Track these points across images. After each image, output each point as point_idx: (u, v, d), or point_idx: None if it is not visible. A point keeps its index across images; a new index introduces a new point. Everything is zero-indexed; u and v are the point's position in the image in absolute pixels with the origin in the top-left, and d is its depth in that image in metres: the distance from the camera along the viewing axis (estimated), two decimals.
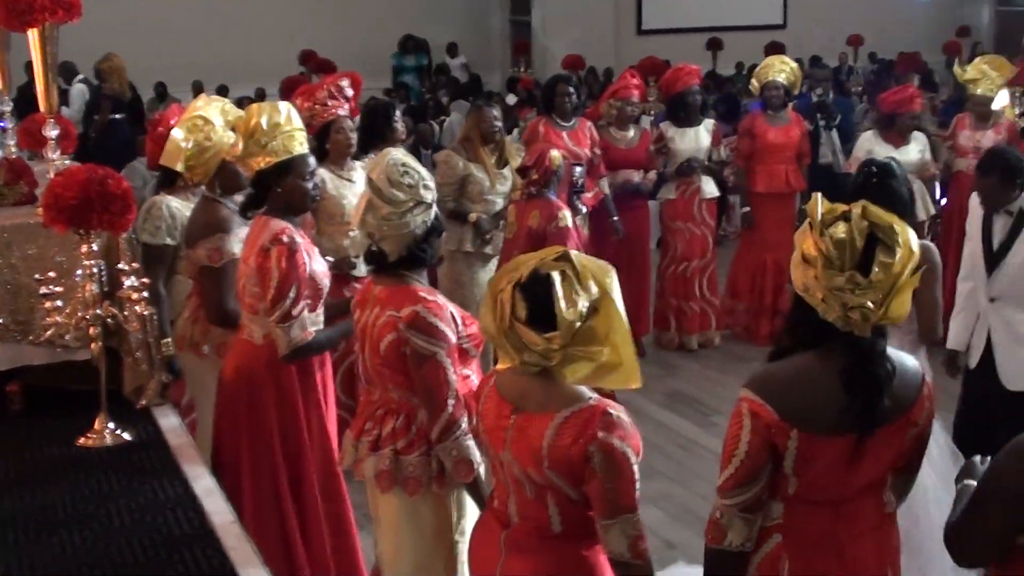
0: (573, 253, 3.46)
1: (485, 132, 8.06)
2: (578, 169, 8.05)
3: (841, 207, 3.29)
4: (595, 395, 3.48)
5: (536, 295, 3.36)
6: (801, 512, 3.39)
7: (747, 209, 9.93)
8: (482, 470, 4.27)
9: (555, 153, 7.57)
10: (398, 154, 4.45)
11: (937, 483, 5.08)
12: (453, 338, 4.29)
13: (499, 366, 3.60)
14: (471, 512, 4.47)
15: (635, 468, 3.41)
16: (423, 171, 4.39)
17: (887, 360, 3.30)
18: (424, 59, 20.99)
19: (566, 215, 7.39)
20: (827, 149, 10.74)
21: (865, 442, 3.28)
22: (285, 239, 4.90)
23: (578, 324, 3.32)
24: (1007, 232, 5.80)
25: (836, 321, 3.22)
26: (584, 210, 8.39)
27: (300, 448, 5.12)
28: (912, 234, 3.27)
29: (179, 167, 5.65)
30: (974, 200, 6.09)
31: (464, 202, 7.95)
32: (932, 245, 5.14)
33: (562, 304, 3.31)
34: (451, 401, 4.24)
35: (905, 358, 3.43)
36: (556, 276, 3.36)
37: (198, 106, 5.70)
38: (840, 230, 3.20)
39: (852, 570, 3.39)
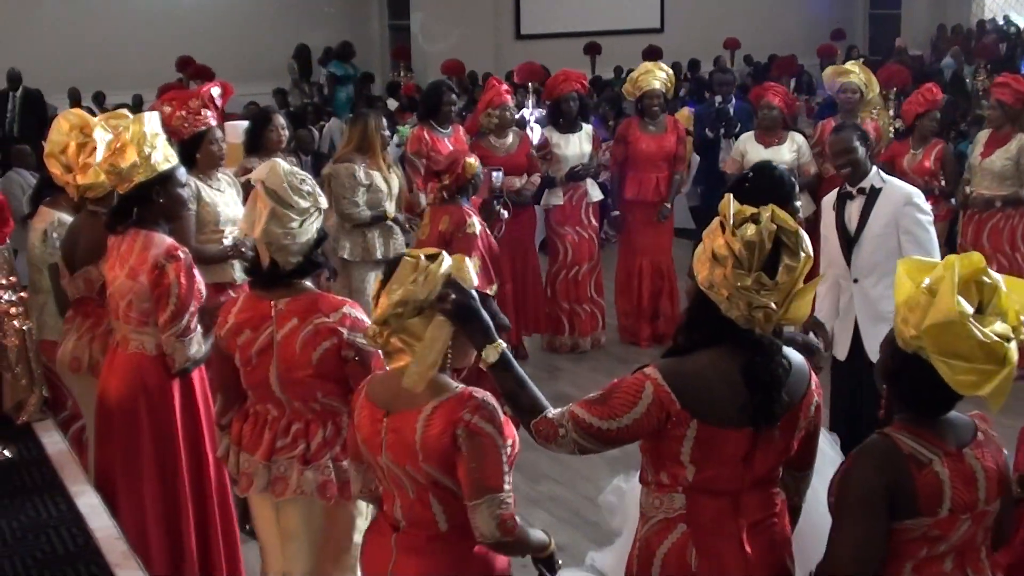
0: (468, 262, 3.53)
1: (383, 139, 8.11)
2: (497, 174, 8.07)
3: (750, 209, 3.36)
4: (461, 385, 3.53)
5: (390, 273, 3.51)
6: (702, 502, 3.47)
7: (616, 213, 9.99)
8: None
9: (471, 160, 7.57)
10: (285, 163, 4.43)
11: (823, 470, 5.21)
12: None
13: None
14: (368, 513, 4.49)
15: (503, 451, 3.44)
16: (312, 179, 4.41)
17: (784, 357, 3.41)
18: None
19: (474, 223, 7.38)
20: (726, 155, 10.86)
21: (760, 436, 3.39)
22: (180, 255, 4.90)
23: (399, 312, 3.41)
24: (861, 210, 6.03)
25: (739, 319, 3.31)
26: (505, 215, 8.36)
27: (203, 460, 5.12)
28: (808, 241, 3.37)
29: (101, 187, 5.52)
30: (826, 203, 6.32)
31: (365, 210, 8.03)
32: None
33: (392, 287, 3.44)
34: None
35: (793, 354, 3.52)
36: (407, 260, 3.48)
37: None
38: (750, 231, 3.27)
39: (758, 557, 3.48)
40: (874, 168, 6.08)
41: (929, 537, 3.27)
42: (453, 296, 3.45)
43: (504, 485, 3.43)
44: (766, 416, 3.36)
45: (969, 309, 3.10)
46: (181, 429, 5.08)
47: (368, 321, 4.19)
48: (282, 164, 4.34)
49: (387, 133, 8.24)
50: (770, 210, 3.33)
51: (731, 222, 3.32)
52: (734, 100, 11.29)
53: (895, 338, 3.30)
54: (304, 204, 4.24)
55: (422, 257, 3.48)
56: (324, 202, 4.38)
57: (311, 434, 4.39)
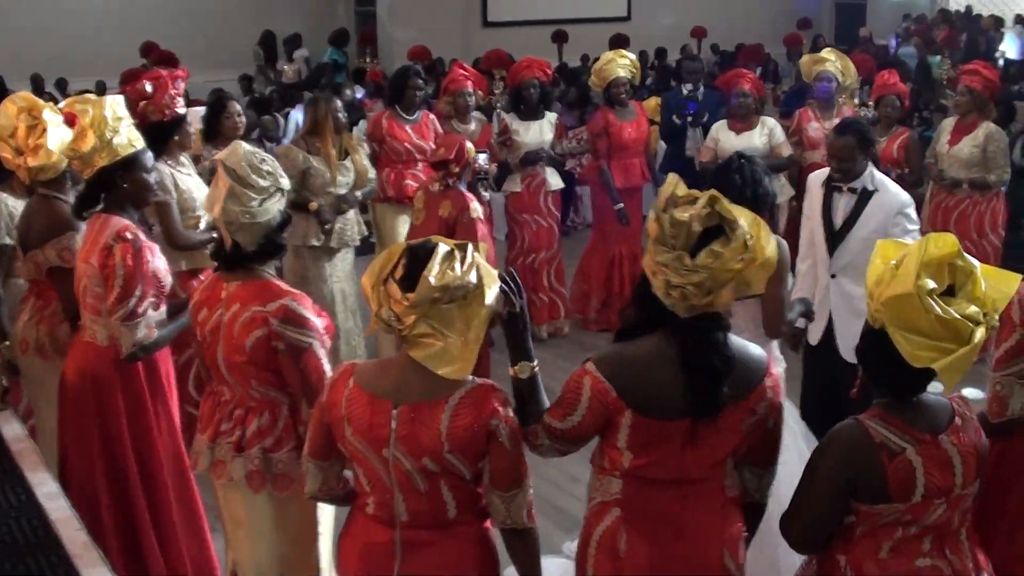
0: (479, 252, 3.50)
1: (337, 123, 8.04)
2: (482, 157, 8.06)
3: (697, 194, 3.37)
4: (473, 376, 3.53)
5: (416, 258, 3.39)
6: (640, 489, 3.49)
7: (621, 205, 9.82)
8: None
9: (470, 145, 7.64)
10: (247, 144, 4.40)
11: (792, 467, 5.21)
12: (322, 328, 4.28)
13: (369, 328, 3.56)
14: (329, 507, 4.46)
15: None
16: (274, 160, 4.38)
17: (724, 348, 3.39)
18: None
19: (477, 207, 7.43)
20: (692, 143, 10.85)
21: (700, 426, 3.38)
22: (129, 236, 4.83)
23: (437, 296, 3.32)
24: (851, 209, 5.99)
25: (663, 298, 3.33)
26: (487, 196, 8.36)
27: (152, 451, 5.05)
28: (767, 236, 3.36)
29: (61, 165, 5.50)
30: (813, 181, 6.28)
31: (306, 195, 7.86)
32: (783, 242, 5.27)
33: (433, 271, 3.33)
34: None
35: (750, 347, 3.52)
36: (442, 248, 3.40)
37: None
38: (683, 213, 3.29)
39: (691, 547, 3.48)
40: (869, 167, 6.03)
41: (903, 521, 3.33)
42: (517, 304, 3.55)
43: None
44: (702, 406, 3.36)
45: (931, 285, 3.14)
46: (127, 421, 5.02)
47: (311, 317, 4.21)
48: (243, 145, 4.33)
49: (343, 116, 8.16)
50: (710, 196, 3.33)
51: (664, 202, 3.34)
52: (702, 88, 11.27)
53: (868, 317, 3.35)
54: (263, 183, 4.23)
55: (453, 246, 3.44)
56: (286, 183, 4.36)
57: (247, 422, 4.38)
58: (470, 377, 3.50)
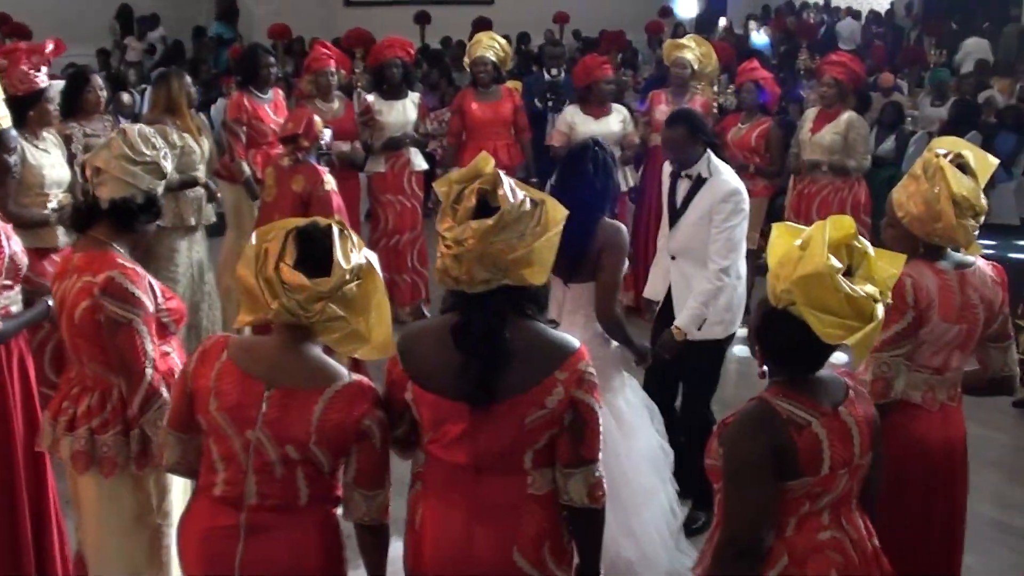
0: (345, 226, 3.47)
1: (190, 99, 7.95)
2: (327, 132, 7.95)
3: (496, 172, 3.39)
4: (349, 373, 3.48)
5: (312, 240, 3.34)
6: (437, 469, 3.50)
7: None
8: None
9: (318, 119, 7.63)
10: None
11: (629, 442, 5.26)
12: (151, 307, 4.17)
13: (241, 319, 3.49)
14: (175, 495, 4.38)
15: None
16: (168, 150, 4.35)
17: (494, 331, 3.33)
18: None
19: (330, 180, 7.45)
20: (552, 128, 10.87)
21: (480, 413, 3.36)
22: None
23: (347, 278, 3.31)
24: (687, 193, 6.05)
25: (437, 269, 3.39)
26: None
27: (8, 432, 4.87)
28: (548, 232, 3.36)
29: None
30: (667, 167, 6.32)
31: (174, 174, 7.70)
32: (622, 226, 5.30)
33: (339, 253, 3.31)
34: (149, 371, 4.13)
35: (550, 339, 3.45)
36: (336, 228, 3.37)
37: None
38: (466, 185, 3.36)
39: (478, 539, 3.43)
40: (707, 154, 6.02)
41: (812, 494, 3.36)
42: None
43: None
44: (471, 389, 3.33)
45: (839, 265, 3.22)
46: (11, 400, 4.85)
47: (138, 294, 4.11)
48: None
49: (193, 91, 8.05)
50: (493, 175, 3.36)
51: (462, 174, 3.40)
52: (563, 74, 11.32)
53: (766, 298, 3.39)
54: (143, 150, 4.21)
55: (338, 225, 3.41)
56: (167, 168, 4.32)
57: (80, 400, 4.30)
58: (346, 373, 3.45)
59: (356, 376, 3.46)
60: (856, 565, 3.44)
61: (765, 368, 3.47)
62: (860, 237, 3.33)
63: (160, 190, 4.29)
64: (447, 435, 3.42)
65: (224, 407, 3.42)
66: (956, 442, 4.41)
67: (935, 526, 4.37)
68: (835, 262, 3.21)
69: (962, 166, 4.16)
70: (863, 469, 3.45)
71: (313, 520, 3.50)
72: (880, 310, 3.26)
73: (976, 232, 4.20)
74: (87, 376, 4.28)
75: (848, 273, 3.26)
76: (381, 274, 3.50)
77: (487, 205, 3.31)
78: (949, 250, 4.28)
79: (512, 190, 3.34)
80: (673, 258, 6.15)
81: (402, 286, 9.81)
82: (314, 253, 3.32)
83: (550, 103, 10.89)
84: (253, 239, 3.42)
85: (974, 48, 18.70)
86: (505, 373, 3.33)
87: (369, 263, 3.42)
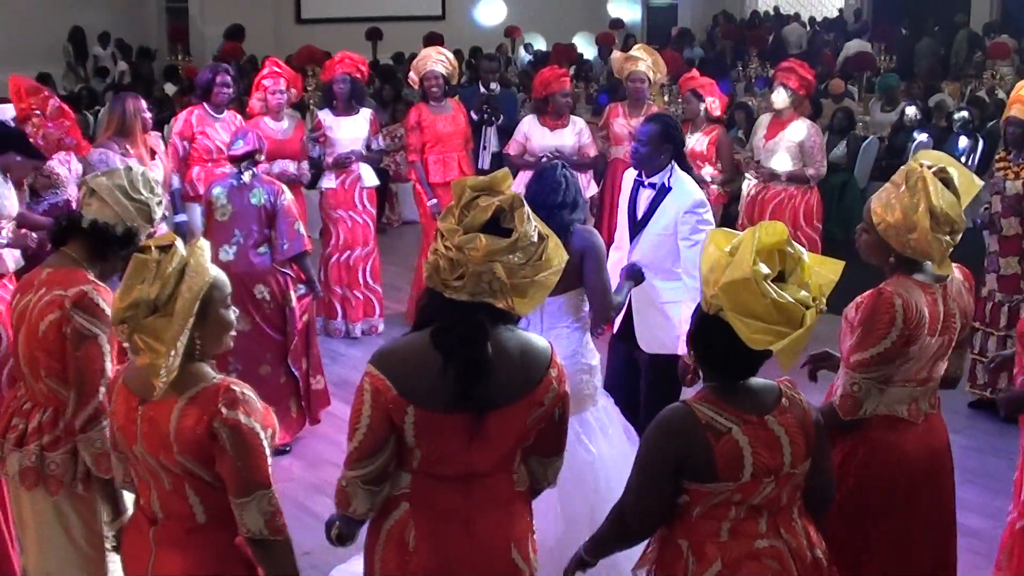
0: (205, 249, 3.44)
1: (144, 123, 7.89)
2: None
3: (512, 193, 3.38)
4: (220, 375, 3.44)
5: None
6: (428, 484, 3.46)
7: (435, 201, 9.73)
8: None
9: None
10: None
11: (617, 460, 5.24)
12: None
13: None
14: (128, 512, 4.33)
15: (265, 444, 3.38)
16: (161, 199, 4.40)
17: (479, 341, 3.32)
18: None
19: (287, 191, 7.48)
20: (486, 141, 10.86)
21: (484, 421, 3.35)
22: None
23: (128, 315, 3.29)
24: (649, 203, 6.01)
25: (426, 265, 3.37)
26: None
27: None
28: (552, 264, 3.37)
29: None
30: (627, 177, 6.29)
31: None
32: (594, 230, 5.31)
33: (124, 285, 3.34)
34: (103, 390, 4.12)
35: (533, 340, 3.50)
36: (138, 257, 3.34)
37: None
38: (488, 198, 3.33)
39: (479, 542, 3.46)
40: (670, 165, 6.00)
41: (733, 500, 3.40)
42: None
43: (270, 481, 3.37)
44: (468, 399, 3.31)
45: (765, 270, 3.24)
46: None
47: (106, 308, 4.09)
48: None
49: (148, 115, 7.98)
50: (517, 197, 3.34)
51: (481, 182, 3.39)
52: (499, 87, 11.32)
53: (700, 305, 3.42)
54: (142, 194, 4.27)
55: (154, 250, 3.34)
56: (156, 215, 4.35)
57: (31, 416, 4.30)
58: (212, 375, 3.42)
59: (219, 378, 3.41)
60: (793, 574, 3.46)
61: (690, 376, 3.52)
62: (793, 243, 3.35)
63: (142, 234, 4.26)
64: (446, 450, 3.40)
65: (117, 425, 3.50)
66: (940, 451, 4.39)
67: (927, 537, 4.35)
68: (763, 267, 3.24)
69: (946, 181, 4.08)
70: (797, 478, 3.46)
71: (214, 545, 3.44)
72: (810, 316, 3.27)
73: (951, 250, 4.12)
74: (38, 392, 4.28)
75: (781, 279, 3.28)
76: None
77: (497, 223, 3.30)
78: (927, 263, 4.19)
79: (528, 217, 3.33)
80: None
81: (354, 302, 9.80)
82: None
83: (486, 115, 10.87)
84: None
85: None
86: (505, 377, 3.35)
87: (175, 296, 3.31)
